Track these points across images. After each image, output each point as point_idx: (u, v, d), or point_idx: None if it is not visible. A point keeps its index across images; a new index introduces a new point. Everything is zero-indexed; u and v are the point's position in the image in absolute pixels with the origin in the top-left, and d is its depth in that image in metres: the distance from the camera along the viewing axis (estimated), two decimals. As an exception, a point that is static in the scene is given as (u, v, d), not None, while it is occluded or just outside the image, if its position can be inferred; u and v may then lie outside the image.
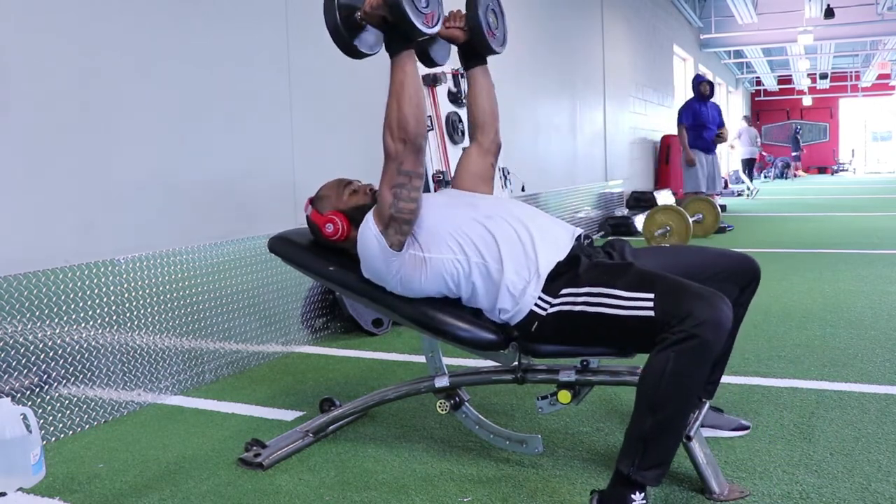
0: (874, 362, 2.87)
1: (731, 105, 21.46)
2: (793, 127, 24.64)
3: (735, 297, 2.01)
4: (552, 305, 1.83)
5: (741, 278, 2.03)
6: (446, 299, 1.98)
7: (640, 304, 1.68)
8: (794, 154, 23.55)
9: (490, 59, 2.28)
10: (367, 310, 3.60)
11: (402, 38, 1.88)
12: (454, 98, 4.70)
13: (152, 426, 2.51)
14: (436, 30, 1.91)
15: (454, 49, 2.29)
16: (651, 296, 1.67)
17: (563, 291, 1.82)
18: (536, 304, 1.84)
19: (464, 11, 2.13)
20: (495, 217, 1.93)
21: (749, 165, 14.96)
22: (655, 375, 1.59)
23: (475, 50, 2.21)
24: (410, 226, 1.89)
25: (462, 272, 1.89)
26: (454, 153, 4.60)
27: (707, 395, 2.10)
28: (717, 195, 8.17)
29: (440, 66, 2.27)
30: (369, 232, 1.90)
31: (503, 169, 5.47)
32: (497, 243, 1.88)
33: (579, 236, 1.99)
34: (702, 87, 7.91)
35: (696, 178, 7.85)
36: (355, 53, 2.02)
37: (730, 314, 1.60)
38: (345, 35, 1.93)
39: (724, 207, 9.10)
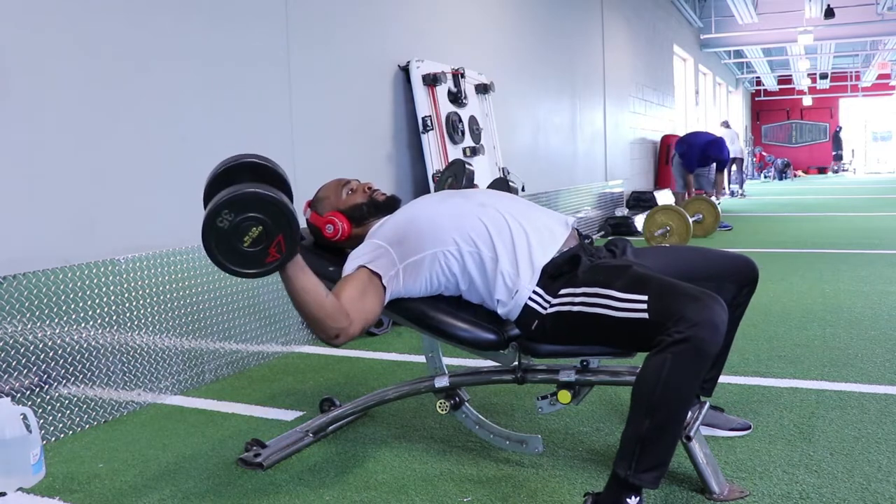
0: (874, 362, 2.87)
1: (732, 105, 21.47)
2: (837, 127, 24.55)
3: (734, 297, 2.02)
4: (552, 305, 1.83)
5: (740, 278, 2.05)
6: (446, 298, 1.98)
7: (634, 305, 1.68)
8: (834, 154, 23.53)
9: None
10: (367, 310, 3.59)
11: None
12: (454, 98, 4.70)
13: (152, 426, 2.51)
14: (289, 253, 1.64)
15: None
16: (645, 298, 1.67)
17: (563, 291, 1.82)
18: (533, 300, 1.84)
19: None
20: (488, 206, 1.94)
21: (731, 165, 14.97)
22: (652, 378, 1.59)
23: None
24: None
25: (456, 263, 1.90)
26: (454, 153, 4.60)
27: (705, 392, 2.11)
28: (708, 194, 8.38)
29: None
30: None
31: (503, 169, 5.48)
32: (489, 233, 1.89)
33: (578, 230, 2.00)
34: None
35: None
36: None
37: (724, 315, 1.60)
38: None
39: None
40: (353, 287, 1.83)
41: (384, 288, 1.86)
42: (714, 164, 8.39)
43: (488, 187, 2.59)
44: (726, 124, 14.98)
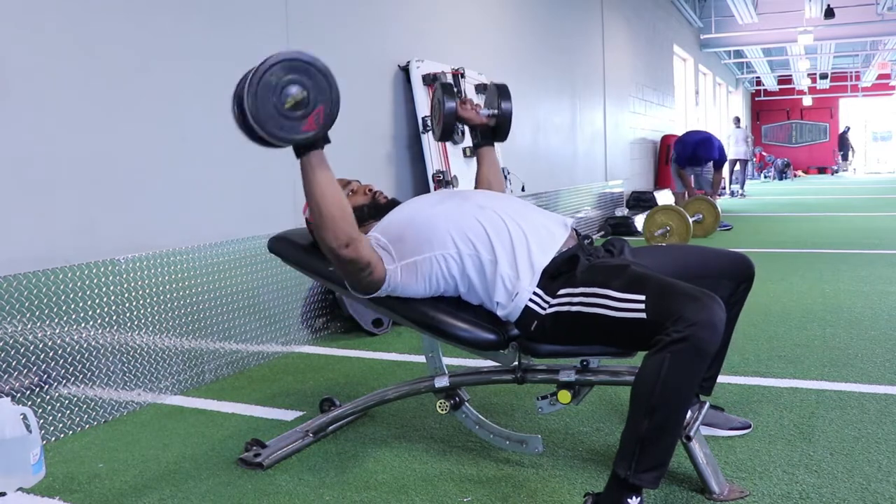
0: (874, 362, 2.87)
1: (732, 105, 21.47)
2: (847, 127, 24.27)
3: (731, 294, 2.03)
4: (550, 305, 1.83)
5: (736, 276, 2.06)
6: (446, 299, 1.98)
7: (632, 305, 1.68)
8: (841, 153, 23.40)
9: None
10: (367, 310, 3.60)
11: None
12: (454, 98, 4.70)
13: (152, 426, 2.51)
14: (325, 128, 1.68)
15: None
16: (642, 297, 1.67)
17: (561, 292, 1.82)
18: (533, 301, 1.84)
19: (476, 100, 2.13)
20: (487, 208, 1.94)
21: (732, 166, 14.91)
22: (651, 378, 1.59)
23: (493, 134, 2.32)
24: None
25: (456, 266, 1.89)
26: (454, 153, 4.60)
27: (705, 391, 2.11)
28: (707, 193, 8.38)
29: (455, 143, 2.29)
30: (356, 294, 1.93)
31: (503, 169, 5.47)
32: (488, 235, 1.88)
33: (577, 231, 2.01)
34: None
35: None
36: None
37: (722, 314, 1.60)
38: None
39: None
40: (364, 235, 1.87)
41: (386, 271, 1.88)
42: (711, 164, 8.37)
43: None
44: (737, 121, 14.97)
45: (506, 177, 5.47)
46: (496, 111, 2.30)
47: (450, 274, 1.91)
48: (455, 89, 2.13)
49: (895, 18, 14.07)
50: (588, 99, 8.22)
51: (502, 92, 2.32)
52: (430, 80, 4.45)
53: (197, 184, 3.04)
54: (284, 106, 1.61)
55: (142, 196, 2.80)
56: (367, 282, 1.87)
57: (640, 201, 9.38)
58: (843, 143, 23.95)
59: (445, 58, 4.84)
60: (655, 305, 1.65)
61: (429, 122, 4.39)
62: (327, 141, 1.74)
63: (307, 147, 1.70)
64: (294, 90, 1.61)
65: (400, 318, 2.03)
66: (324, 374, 3.07)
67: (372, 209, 2.09)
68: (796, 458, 2.01)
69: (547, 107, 6.97)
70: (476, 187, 2.34)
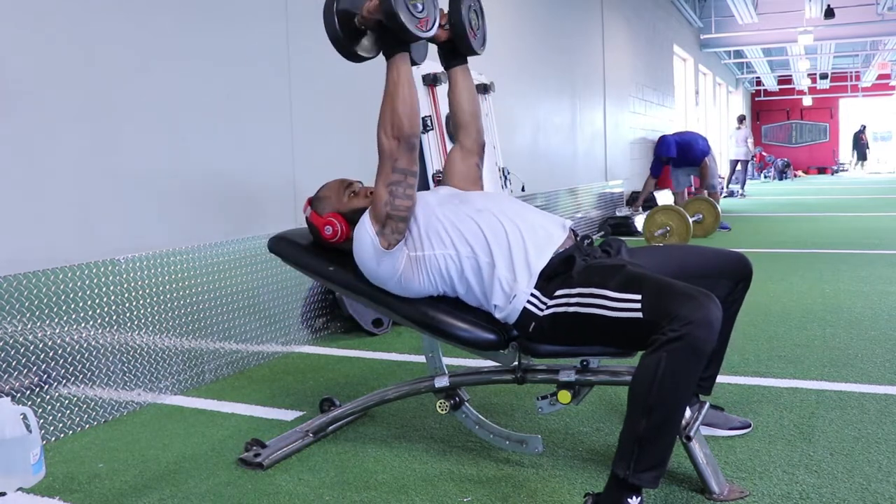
0: (874, 362, 2.87)
1: (732, 105, 21.46)
2: (862, 126, 23.57)
3: (728, 293, 2.03)
4: (548, 306, 1.83)
5: (734, 275, 2.06)
6: (446, 299, 1.98)
7: (628, 305, 1.68)
8: (856, 152, 22.87)
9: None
10: (367, 310, 3.60)
11: (396, 41, 1.94)
12: (454, 98, 4.70)
13: (152, 426, 2.51)
14: (431, 33, 1.97)
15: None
16: (639, 297, 1.67)
17: (558, 293, 1.82)
18: (531, 303, 1.84)
19: (445, 10, 2.12)
20: (485, 211, 1.94)
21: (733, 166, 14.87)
22: (648, 377, 1.59)
23: (456, 50, 2.25)
24: (406, 223, 1.91)
25: (454, 267, 1.90)
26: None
27: (704, 391, 2.11)
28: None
29: (417, 64, 2.27)
30: (365, 233, 1.91)
31: (503, 169, 5.47)
32: (486, 238, 1.89)
33: (576, 233, 2.01)
34: None
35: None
36: (355, 58, 2.10)
37: (719, 313, 1.60)
38: (344, 41, 2.02)
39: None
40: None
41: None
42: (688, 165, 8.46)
43: None
44: (741, 120, 14.94)
45: (506, 177, 5.47)
46: (447, 23, 2.14)
47: (448, 274, 1.91)
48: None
49: (895, 18, 14.07)
50: (588, 99, 8.22)
51: (452, 3, 2.13)
52: (430, 80, 4.44)
53: (197, 183, 3.04)
54: (412, 2, 1.89)
55: (142, 196, 2.80)
56: (396, 203, 1.88)
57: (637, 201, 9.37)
58: (858, 143, 23.22)
59: (445, 58, 4.83)
60: (651, 305, 1.65)
61: (429, 122, 4.39)
62: (411, 51, 1.99)
63: (405, 46, 1.94)
64: None
65: (400, 318, 2.03)
66: (324, 374, 3.07)
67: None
68: (796, 458, 2.01)
69: (547, 107, 6.97)
70: (450, 110, 2.31)
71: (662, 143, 8.45)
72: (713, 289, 1.72)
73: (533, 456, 2.08)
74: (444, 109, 4.58)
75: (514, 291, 1.85)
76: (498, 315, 1.90)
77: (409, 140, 1.89)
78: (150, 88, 2.84)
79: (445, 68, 2.30)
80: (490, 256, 1.87)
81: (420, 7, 1.91)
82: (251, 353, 3.23)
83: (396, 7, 1.84)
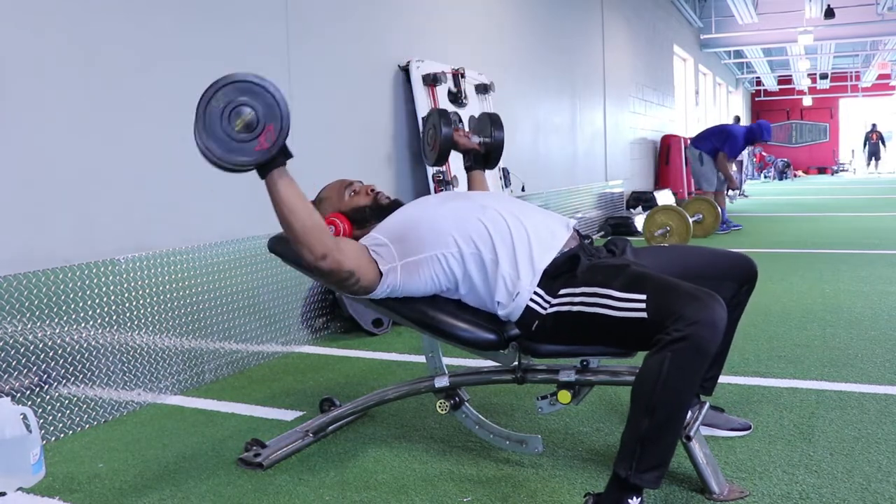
0: (874, 362, 2.87)
1: (732, 105, 21.46)
2: (871, 125, 22.99)
3: (733, 295, 2.02)
4: (551, 305, 1.83)
5: (739, 277, 2.05)
6: (446, 299, 1.98)
7: (632, 304, 1.68)
8: (868, 151, 22.37)
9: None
10: (367, 310, 3.60)
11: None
12: (454, 98, 4.70)
13: (152, 426, 2.51)
14: (278, 145, 1.65)
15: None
16: (643, 297, 1.67)
17: (562, 292, 1.82)
18: (534, 301, 1.84)
19: (467, 128, 2.22)
20: (489, 208, 1.94)
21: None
22: (651, 377, 1.59)
23: (484, 160, 2.46)
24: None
25: (458, 264, 1.90)
26: (454, 153, 4.60)
27: (706, 391, 2.11)
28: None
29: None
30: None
31: (503, 169, 5.47)
32: (490, 235, 1.89)
33: (578, 231, 2.01)
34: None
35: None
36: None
37: (723, 314, 1.60)
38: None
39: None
40: (349, 241, 1.88)
41: (380, 273, 1.86)
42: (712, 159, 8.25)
43: (477, 118, 2.59)
44: (737, 121, 14.93)
45: (506, 177, 5.47)
46: (489, 139, 2.42)
47: (451, 273, 1.91)
48: (450, 116, 2.28)
49: (895, 18, 14.07)
50: (588, 99, 8.22)
51: (494, 121, 2.44)
52: (430, 80, 4.45)
53: (197, 184, 3.04)
54: (235, 129, 1.62)
55: (142, 196, 2.80)
56: (354, 289, 1.87)
57: (640, 201, 9.38)
58: (868, 142, 22.58)
59: (445, 58, 4.85)
60: (656, 305, 1.65)
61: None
62: (288, 156, 1.71)
63: (267, 166, 1.68)
64: (242, 112, 1.62)
65: (400, 318, 2.03)
66: (324, 374, 3.07)
67: (374, 210, 2.08)
68: (796, 458, 2.01)
69: (547, 107, 6.98)
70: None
71: (732, 135, 7.85)
72: (717, 290, 1.71)
73: (533, 456, 2.08)
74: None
75: (517, 289, 1.85)
76: (501, 312, 1.90)
77: (338, 259, 1.77)
78: (151, 88, 2.84)
79: (468, 169, 2.48)
80: (494, 253, 1.87)
81: (245, 124, 1.64)
82: (251, 353, 3.23)
83: (209, 151, 1.65)
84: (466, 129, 2.45)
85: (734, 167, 8.21)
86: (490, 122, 2.45)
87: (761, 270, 2.13)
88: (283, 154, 1.69)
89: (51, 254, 2.45)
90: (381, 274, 1.86)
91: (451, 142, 2.32)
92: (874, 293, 4.17)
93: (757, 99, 26.60)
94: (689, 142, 8.70)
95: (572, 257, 1.87)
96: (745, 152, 14.42)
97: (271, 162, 1.67)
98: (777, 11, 14.75)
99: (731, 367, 2.81)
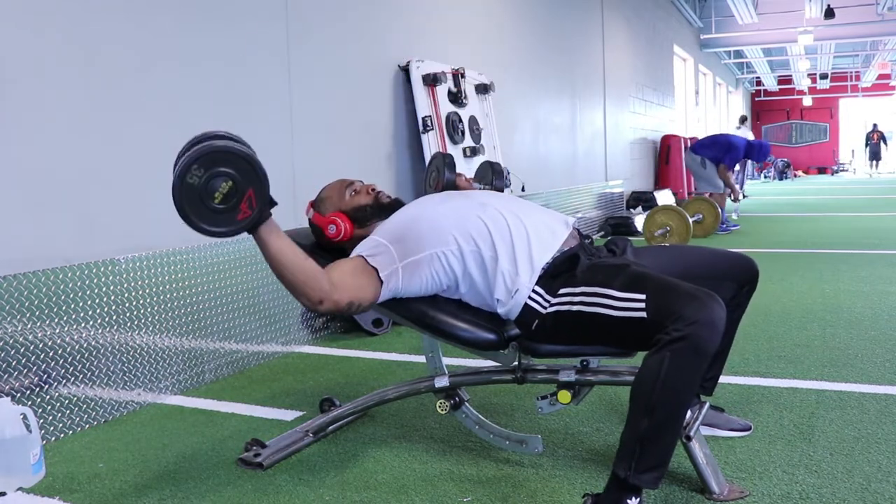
0: (874, 362, 2.87)
1: (732, 105, 21.46)
2: (872, 125, 22.45)
3: (734, 296, 2.02)
4: (551, 304, 1.83)
5: (739, 277, 2.05)
6: (446, 299, 1.98)
7: (632, 304, 1.68)
8: (869, 150, 21.99)
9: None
10: (367, 310, 3.60)
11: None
12: (454, 98, 4.70)
13: (152, 426, 2.51)
14: (259, 209, 1.64)
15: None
16: (643, 297, 1.67)
17: (562, 291, 1.82)
18: (533, 300, 1.84)
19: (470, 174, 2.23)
20: (489, 206, 1.95)
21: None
22: (651, 377, 1.59)
23: None
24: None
25: (458, 262, 1.90)
26: (454, 153, 4.60)
27: (706, 391, 2.11)
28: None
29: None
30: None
31: (503, 169, 5.45)
32: (490, 232, 1.89)
33: (579, 230, 2.01)
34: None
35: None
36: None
37: (723, 314, 1.60)
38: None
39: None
40: (344, 265, 1.85)
41: (381, 281, 1.85)
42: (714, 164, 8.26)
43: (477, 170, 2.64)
44: (742, 120, 14.90)
45: (507, 176, 5.46)
46: (489, 186, 2.45)
47: (452, 271, 1.91)
48: (453, 161, 2.41)
49: (895, 18, 14.07)
50: (588, 99, 8.22)
51: (496, 171, 2.48)
52: (430, 80, 4.45)
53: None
54: (214, 202, 1.60)
55: (142, 196, 2.80)
56: (358, 311, 1.88)
57: (640, 201, 9.37)
58: (869, 142, 22.17)
59: (445, 58, 4.85)
60: (656, 305, 1.65)
61: (429, 122, 4.39)
62: (273, 205, 1.69)
63: (252, 226, 1.68)
64: (219, 184, 1.60)
65: (400, 318, 2.03)
66: (324, 374, 3.07)
67: (375, 209, 2.09)
68: (796, 458, 2.01)
69: (547, 107, 6.98)
70: None
71: (734, 148, 7.89)
72: (717, 290, 1.71)
73: (533, 456, 2.08)
74: (445, 109, 4.58)
75: (515, 286, 1.85)
76: (500, 310, 1.90)
77: (334, 299, 1.77)
78: (151, 88, 2.84)
79: None
80: (493, 251, 1.88)
81: (224, 195, 1.62)
82: (251, 353, 3.23)
83: (196, 226, 1.63)
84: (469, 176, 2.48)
85: (737, 167, 8.26)
86: (492, 171, 2.51)
87: (761, 270, 2.13)
88: (270, 203, 1.67)
89: (51, 254, 2.45)
90: (381, 282, 1.86)
91: (453, 187, 2.35)
92: (874, 293, 4.17)
93: (757, 99, 26.60)
94: (687, 145, 8.71)
95: (572, 257, 1.87)
96: None
97: (258, 222, 1.67)
98: (777, 11, 14.75)
99: (731, 367, 2.81)
